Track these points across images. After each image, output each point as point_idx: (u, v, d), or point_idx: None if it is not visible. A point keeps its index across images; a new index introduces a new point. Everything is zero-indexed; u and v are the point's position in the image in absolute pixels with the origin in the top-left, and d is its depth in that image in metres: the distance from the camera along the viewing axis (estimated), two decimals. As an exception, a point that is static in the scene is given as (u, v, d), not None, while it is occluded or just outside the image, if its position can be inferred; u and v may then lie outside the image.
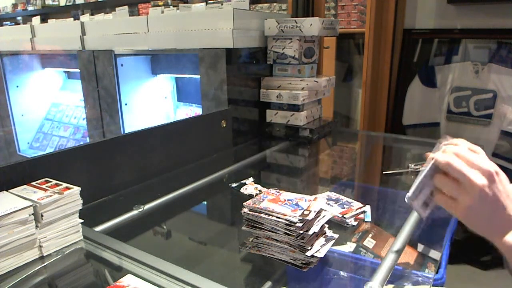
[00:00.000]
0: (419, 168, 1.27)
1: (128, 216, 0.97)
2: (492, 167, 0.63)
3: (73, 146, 1.01)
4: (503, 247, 0.61)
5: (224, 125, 1.47)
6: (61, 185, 0.80)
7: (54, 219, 0.75)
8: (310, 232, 0.72)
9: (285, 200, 0.78)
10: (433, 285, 0.84)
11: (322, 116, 1.83)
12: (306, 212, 0.72)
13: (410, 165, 1.30)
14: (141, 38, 1.76)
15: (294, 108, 1.64)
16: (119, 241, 0.80)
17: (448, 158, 0.63)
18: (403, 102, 2.39)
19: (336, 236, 0.80)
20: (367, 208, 1.02)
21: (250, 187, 1.15)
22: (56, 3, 5.07)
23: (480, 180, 0.61)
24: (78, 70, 2.08)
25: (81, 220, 0.80)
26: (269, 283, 0.73)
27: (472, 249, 2.13)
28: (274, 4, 3.08)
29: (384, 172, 1.34)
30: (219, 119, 1.45)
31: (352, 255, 0.89)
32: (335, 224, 0.94)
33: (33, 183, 0.82)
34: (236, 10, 1.46)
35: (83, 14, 2.89)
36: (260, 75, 1.69)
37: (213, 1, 3.19)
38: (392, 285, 0.75)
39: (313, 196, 0.80)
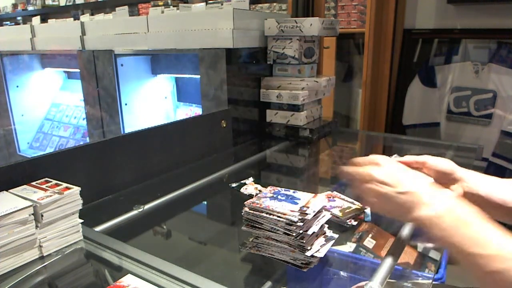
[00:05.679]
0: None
1: (128, 216, 0.97)
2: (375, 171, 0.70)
3: (73, 146, 1.01)
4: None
5: (224, 125, 1.47)
6: (61, 185, 0.80)
7: (54, 219, 0.75)
8: (310, 232, 0.72)
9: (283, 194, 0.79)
10: (433, 285, 0.84)
11: (322, 116, 1.83)
12: (304, 209, 0.72)
13: None
14: (141, 38, 1.76)
15: (294, 108, 1.64)
16: (119, 241, 0.80)
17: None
18: (403, 102, 2.39)
19: (336, 236, 0.80)
20: (367, 208, 1.02)
21: (250, 187, 1.15)
22: (56, 3, 5.07)
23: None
24: (78, 70, 2.08)
25: (81, 220, 0.80)
26: (269, 283, 0.73)
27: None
28: (274, 4, 3.08)
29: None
30: (219, 119, 1.45)
31: (352, 255, 0.89)
32: (335, 224, 0.94)
33: (33, 183, 0.82)
34: (236, 10, 1.46)
35: (83, 14, 2.88)
36: (260, 75, 1.69)
37: (213, 1, 3.19)
38: (392, 285, 0.75)
39: (312, 194, 0.80)
